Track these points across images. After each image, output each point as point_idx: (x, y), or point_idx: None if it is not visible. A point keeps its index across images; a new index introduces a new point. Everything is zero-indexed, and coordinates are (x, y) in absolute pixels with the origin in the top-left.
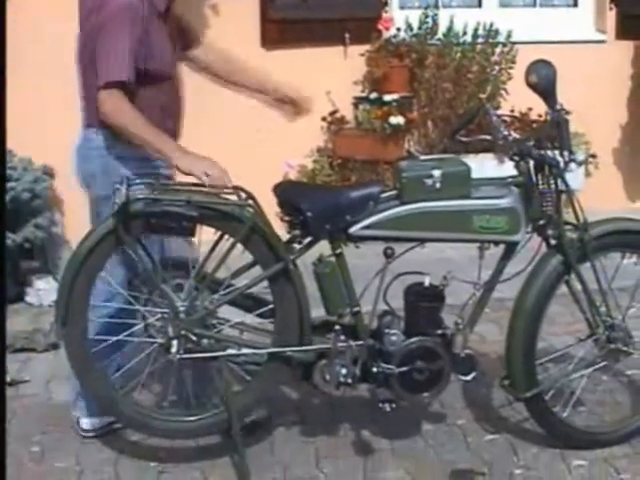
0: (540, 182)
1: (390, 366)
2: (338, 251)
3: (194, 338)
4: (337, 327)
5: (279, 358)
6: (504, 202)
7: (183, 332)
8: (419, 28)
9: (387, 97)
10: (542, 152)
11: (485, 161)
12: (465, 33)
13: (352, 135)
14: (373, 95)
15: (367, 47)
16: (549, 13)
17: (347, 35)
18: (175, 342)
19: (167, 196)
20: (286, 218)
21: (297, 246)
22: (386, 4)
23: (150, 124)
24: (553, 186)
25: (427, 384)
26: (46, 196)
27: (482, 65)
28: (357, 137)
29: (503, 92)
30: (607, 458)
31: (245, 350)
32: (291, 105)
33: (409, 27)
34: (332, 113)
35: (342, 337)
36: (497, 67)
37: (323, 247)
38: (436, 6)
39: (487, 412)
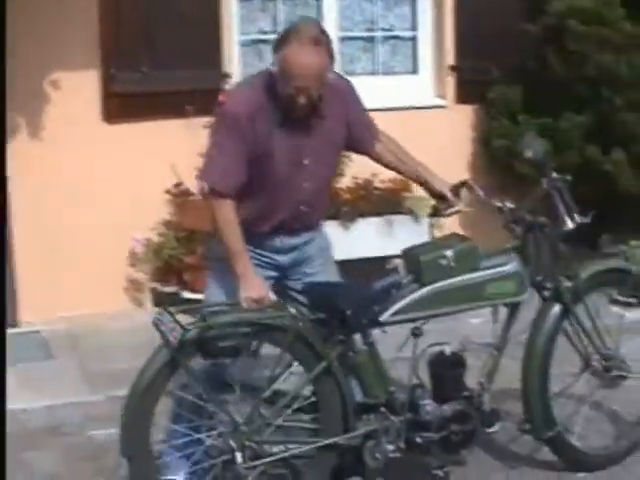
0: (534, 243)
1: (429, 433)
2: (370, 340)
3: (255, 446)
4: (381, 408)
5: (328, 449)
6: (509, 268)
7: (246, 442)
8: None
9: None
10: (535, 218)
11: (331, 228)
12: None
13: (197, 207)
14: None
15: (210, 119)
16: (390, 80)
17: (189, 107)
18: (239, 454)
19: (218, 319)
20: (319, 317)
21: (334, 342)
22: (228, 76)
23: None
24: (546, 245)
25: (463, 442)
26: None
27: None
28: (203, 209)
29: (346, 159)
30: None
31: (304, 447)
32: (440, 200)
33: None
34: (177, 185)
35: (383, 416)
36: None
37: None
38: None
39: None
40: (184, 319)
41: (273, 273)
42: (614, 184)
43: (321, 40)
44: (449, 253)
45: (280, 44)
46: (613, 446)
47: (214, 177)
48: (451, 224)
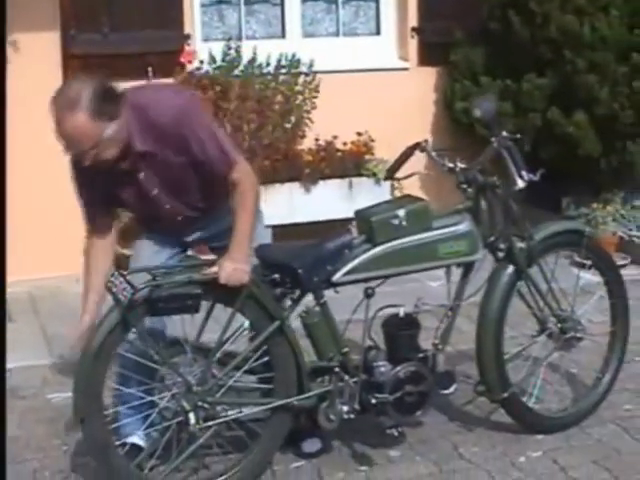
0: (486, 204)
1: (384, 395)
2: (322, 300)
3: (208, 407)
4: (334, 369)
5: (283, 410)
6: (461, 227)
7: (199, 403)
8: (222, 60)
9: None
10: (486, 177)
11: (293, 190)
12: (268, 64)
13: None
14: None
15: (171, 80)
16: (352, 42)
17: (150, 69)
18: (192, 414)
19: (168, 279)
20: (272, 277)
21: (287, 302)
22: (188, 37)
23: None
24: (498, 205)
25: (418, 404)
26: None
27: (286, 95)
28: None
29: (307, 121)
30: (546, 451)
31: (255, 409)
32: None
33: (212, 59)
34: None
35: (337, 378)
36: (300, 97)
37: None
38: (239, 38)
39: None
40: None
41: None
42: (576, 146)
43: (78, 102)
44: (401, 213)
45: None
46: (570, 408)
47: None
48: (413, 186)
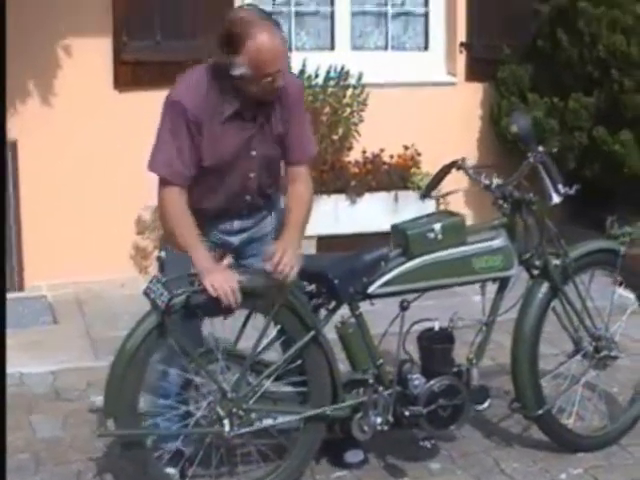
0: (522, 220)
1: (417, 408)
2: (358, 312)
3: (243, 414)
4: (369, 381)
5: (317, 419)
6: (496, 243)
7: (234, 410)
8: None
9: None
10: (522, 193)
11: (339, 202)
12: (317, 76)
13: None
14: None
15: None
16: (400, 56)
17: None
18: (227, 421)
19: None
20: (308, 287)
21: (323, 313)
22: None
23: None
24: (533, 222)
25: (452, 418)
26: None
27: (334, 107)
28: None
29: (355, 134)
30: (587, 469)
31: (291, 417)
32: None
33: None
34: None
35: (372, 389)
36: (349, 109)
37: None
38: (289, 49)
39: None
40: None
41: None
42: (622, 165)
43: (274, 21)
44: (437, 227)
45: (240, 40)
46: (608, 426)
47: (160, 165)
48: (457, 201)
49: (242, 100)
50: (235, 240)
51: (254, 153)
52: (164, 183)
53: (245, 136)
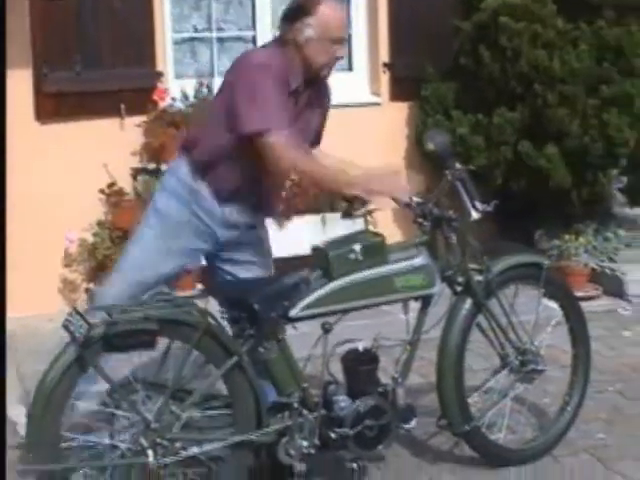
0: (443, 237)
1: (344, 429)
2: (281, 336)
3: (167, 443)
4: (294, 404)
5: (243, 445)
6: (417, 261)
7: (157, 440)
8: (195, 97)
9: (165, 167)
10: (442, 211)
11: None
12: None
13: (132, 207)
14: (151, 165)
15: (143, 118)
16: None
17: (122, 106)
18: (150, 452)
19: (124, 316)
20: (228, 314)
21: (243, 339)
22: (161, 75)
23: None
24: (455, 239)
25: (379, 438)
26: None
27: None
28: (137, 208)
29: None
30: None
31: (217, 444)
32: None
33: (185, 96)
34: (110, 185)
35: (297, 413)
36: None
37: None
38: (211, 74)
39: None
40: None
41: (205, 245)
42: (548, 179)
43: None
44: (357, 247)
45: (312, 4)
46: (538, 438)
47: (270, 119)
48: (386, 221)
49: (302, 78)
50: (223, 235)
51: (312, 125)
52: (279, 137)
53: (299, 111)
